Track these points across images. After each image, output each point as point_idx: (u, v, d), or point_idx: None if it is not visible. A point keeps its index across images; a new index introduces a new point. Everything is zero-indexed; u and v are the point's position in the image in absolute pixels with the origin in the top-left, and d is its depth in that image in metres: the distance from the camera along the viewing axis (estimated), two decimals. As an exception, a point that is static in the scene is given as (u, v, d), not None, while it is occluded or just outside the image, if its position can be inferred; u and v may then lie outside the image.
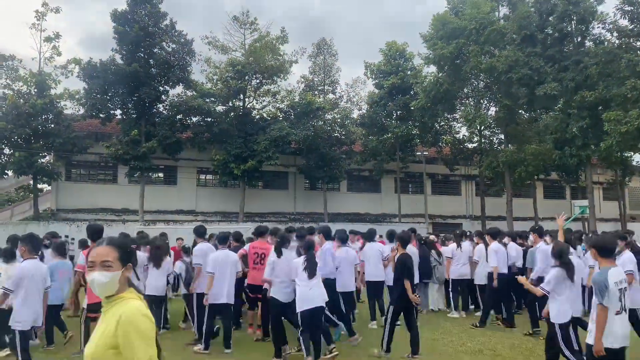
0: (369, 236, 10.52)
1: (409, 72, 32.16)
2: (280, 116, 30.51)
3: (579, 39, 24.08)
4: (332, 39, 32.62)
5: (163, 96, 27.53)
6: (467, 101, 30.59)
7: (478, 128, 29.69)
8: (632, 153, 35.39)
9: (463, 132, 34.97)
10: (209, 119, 28.36)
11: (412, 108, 29.98)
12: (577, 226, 32.12)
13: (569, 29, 24.07)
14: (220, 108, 29.33)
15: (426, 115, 29.55)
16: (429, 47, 27.77)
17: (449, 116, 34.77)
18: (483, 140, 33.15)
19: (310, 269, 7.00)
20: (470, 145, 33.82)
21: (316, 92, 32.26)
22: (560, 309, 5.98)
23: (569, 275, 5.97)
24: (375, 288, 10.15)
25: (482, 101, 29.89)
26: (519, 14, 24.45)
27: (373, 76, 33.39)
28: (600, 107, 22.07)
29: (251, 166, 27.41)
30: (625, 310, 4.68)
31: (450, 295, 11.49)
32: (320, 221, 32.20)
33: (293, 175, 34.15)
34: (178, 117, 27.76)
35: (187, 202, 31.36)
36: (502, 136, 30.32)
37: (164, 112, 27.76)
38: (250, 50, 28.29)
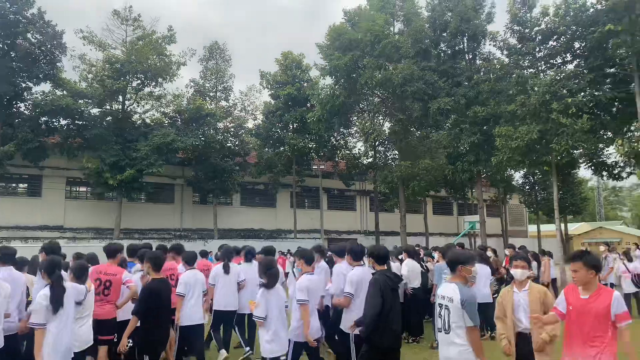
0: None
1: (305, 84, 31.20)
2: (166, 122, 27.85)
3: (470, 56, 24.58)
4: (225, 43, 30.64)
5: (26, 93, 23.78)
6: (363, 115, 30.23)
7: (374, 143, 29.36)
8: (514, 172, 37.61)
9: (359, 147, 34.71)
10: (80, 122, 24.92)
11: (308, 120, 28.94)
12: (465, 241, 33.02)
13: (462, 46, 24.50)
14: (95, 110, 26.04)
15: (322, 128, 28.64)
16: (325, 58, 26.97)
17: (344, 131, 34.35)
18: (378, 156, 33.03)
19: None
20: (365, 161, 33.54)
21: (207, 98, 30.05)
22: None
23: None
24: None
25: (377, 115, 29.65)
26: (414, 28, 24.48)
27: (269, 86, 31.98)
28: (491, 123, 22.44)
29: (129, 176, 24.49)
30: (447, 330, 4.31)
31: None
32: (209, 238, 29.87)
33: (180, 187, 31.47)
34: (43, 118, 24.09)
35: (53, 217, 27.36)
36: (396, 152, 30.32)
37: (25, 112, 23.94)
38: (132, 48, 25.52)
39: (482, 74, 23.39)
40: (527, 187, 41.44)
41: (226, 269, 7.63)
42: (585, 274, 4.13)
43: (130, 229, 29.00)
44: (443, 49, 25.04)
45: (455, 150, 23.81)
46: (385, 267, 5.60)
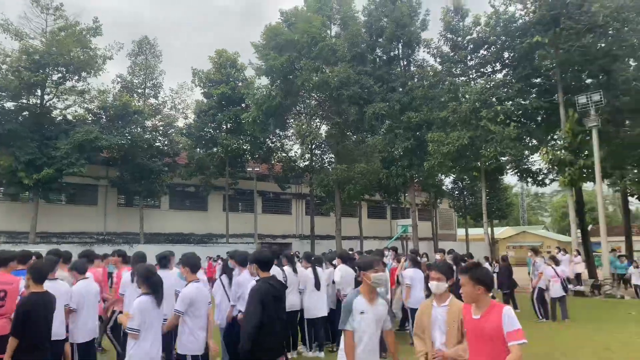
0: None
1: (240, 83, 30.39)
2: (90, 119, 26.10)
3: (405, 62, 24.88)
4: (155, 39, 29.19)
5: None
6: (300, 117, 29.86)
7: (310, 145, 29.06)
8: (444, 177, 38.66)
9: (295, 149, 34.34)
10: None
11: (243, 121, 28.18)
12: (397, 245, 33.41)
13: (397, 52, 24.74)
14: (10, 104, 23.92)
15: (258, 129, 27.97)
16: (261, 58, 26.39)
17: (281, 133, 33.83)
18: (314, 159, 32.78)
19: None
20: (302, 164, 33.18)
21: (135, 95, 28.51)
22: None
23: None
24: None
25: (314, 118, 29.38)
26: (350, 32, 24.45)
27: (201, 84, 30.88)
28: (424, 129, 22.77)
29: (47, 175, 22.68)
30: None
31: None
32: (134, 242, 28.32)
33: (104, 188, 29.61)
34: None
35: (-43, 219, 24.87)
36: (333, 155, 30.21)
37: None
38: (52, 39, 23.70)
39: (416, 80, 23.72)
40: (457, 192, 42.80)
41: (133, 277, 6.87)
42: (472, 290, 3.64)
43: (48, 233, 26.91)
44: (379, 54, 25.20)
45: (390, 155, 23.98)
46: (270, 274, 5.11)
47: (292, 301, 8.93)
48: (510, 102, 20.76)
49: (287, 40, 25.31)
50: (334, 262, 9.95)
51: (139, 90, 29.02)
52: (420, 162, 22.86)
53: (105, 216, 29.93)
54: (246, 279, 6.73)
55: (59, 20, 24.63)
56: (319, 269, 8.87)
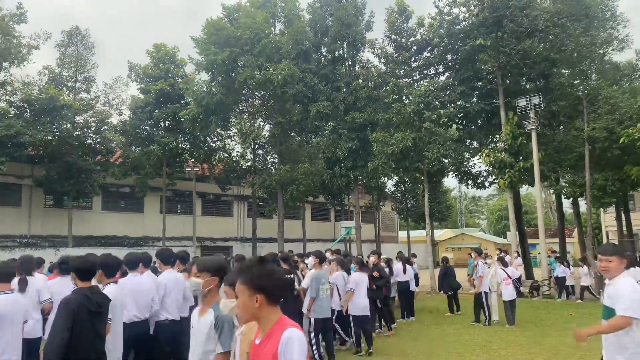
0: None
1: (179, 80, 29.10)
2: (12, 112, 24.04)
3: (350, 62, 24.62)
4: (87, 29, 27.35)
5: None
6: (242, 116, 29.01)
7: (252, 144, 28.28)
8: (387, 180, 38.95)
9: (237, 149, 33.31)
10: None
11: (182, 119, 27.00)
12: (341, 247, 33.16)
13: (342, 52, 24.44)
14: None
15: (197, 127, 26.89)
16: (201, 52, 25.36)
17: (223, 132, 32.79)
18: (257, 160, 31.99)
19: None
20: (244, 165, 32.30)
21: (64, 89, 26.61)
22: None
23: None
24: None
25: (257, 117, 28.63)
26: (294, 28, 23.92)
27: (138, 79, 29.32)
28: (368, 130, 22.57)
29: (-39, 173, 20.64)
30: None
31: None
32: (63, 246, 26.44)
33: (29, 188, 27.44)
34: None
35: None
36: (276, 157, 29.57)
37: None
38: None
39: (360, 81, 23.50)
40: (399, 195, 43.27)
41: (22, 286, 5.95)
42: (247, 302, 2.49)
43: (-39, 236, 24.61)
44: (324, 53, 24.82)
45: (334, 155, 23.65)
46: (90, 284, 4.41)
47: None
48: (453, 104, 20.93)
49: (229, 36, 24.45)
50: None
51: (69, 84, 27.11)
52: (364, 163, 22.64)
53: (29, 218, 27.75)
54: (169, 279, 6.26)
55: (-23, 5, 22.56)
56: None
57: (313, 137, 31.87)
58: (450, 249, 54.55)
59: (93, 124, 27.51)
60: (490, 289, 13.06)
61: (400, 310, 13.91)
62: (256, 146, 31.70)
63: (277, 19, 26.79)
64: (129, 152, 28.74)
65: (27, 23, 23.01)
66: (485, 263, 14.48)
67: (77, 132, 26.49)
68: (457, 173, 24.74)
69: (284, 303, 2.79)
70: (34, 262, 6.48)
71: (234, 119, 28.39)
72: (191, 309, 6.53)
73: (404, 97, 22.30)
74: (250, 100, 28.71)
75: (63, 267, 6.21)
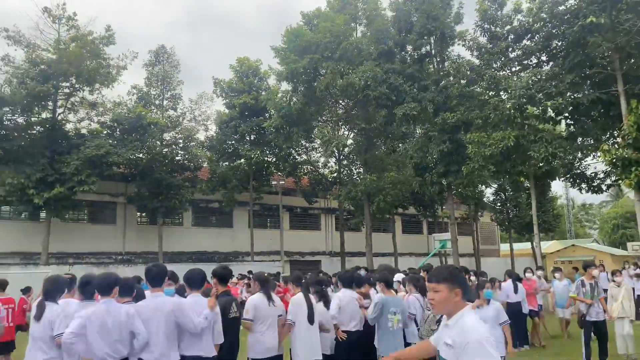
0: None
1: (263, 92, 28.75)
2: (104, 132, 24.84)
3: (438, 59, 22.60)
4: (173, 47, 27.93)
5: None
6: (325, 124, 27.98)
7: (336, 154, 27.07)
8: (485, 188, 35.93)
9: (322, 161, 32.37)
10: (1, 132, 21.75)
11: (265, 129, 26.51)
12: (436, 262, 30.77)
13: (429, 48, 22.51)
14: (20, 119, 22.90)
15: (281, 138, 26.22)
16: (282, 62, 24.69)
17: (307, 145, 32.05)
18: (342, 171, 30.79)
19: None
20: (327, 172, 31.25)
21: (153, 108, 27.21)
22: None
23: None
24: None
25: (340, 125, 27.44)
26: (376, 27, 22.43)
27: (223, 94, 29.40)
28: (461, 131, 20.38)
29: (58, 194, 21.39)
30: None
31: None
32: (155, 262, 26.77)
33: (123, 206, 28.28)
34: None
35: (-30, 241, 23.83)
36: (361, 167, 28.17)
37: None
38: (64, 49, 22.63)
39: (451, 77, 21.40)
40: (499, 204, 39.80)
41: (38, 312, 4.86)
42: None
43: (63, 253, 25.66)
44: (409, 51, 23.01)
45: (423, 161, 21.64)
46: None
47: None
48: (560, 96, 18.15)
49: (309, 42, 23.57)
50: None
51: (157, 102, 27.74)
52: (458, 167, 20.43)
53: (124, 235, 28.56)
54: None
55: (71, 31, 23.61)
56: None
57: (400, 145, 30.11)
58: (559, 262, 49.44)
59: (180, 141, 27.88)
60: (622, 315, 10.44)
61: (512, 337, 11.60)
62: (341, 156, 30.57)
63: (357, 21, 25.52)
64: (216, 167, 28.77)
65: (115, 44, 23.66)
66: (613, 281, 11.70)
67: (165, 150, 26.92)
68: (568, 176, 21.64)
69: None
70: (62, 285, 5.35)
71: (317, 131, 27.45)
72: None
73: (501, 92, 19.90)
74: (332, 108, 27.60)
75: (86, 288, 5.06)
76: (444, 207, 37.84)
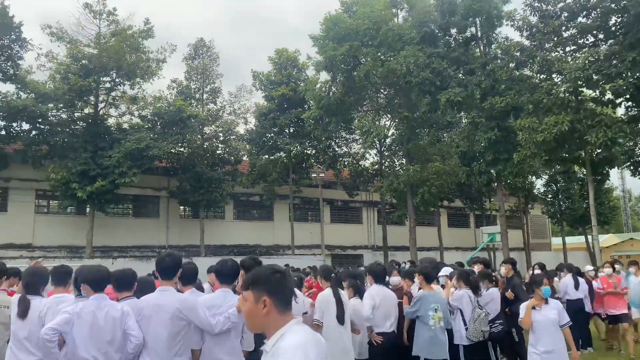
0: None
1: (301, 83, 28.22)
2: (146, 126, 24.97)
3: (484, 41, 21.34)
4: (212, 40, 27.81)
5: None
6: (365, 114, 27.18)
7: (377, 145, 26.23)
8: (535, 179, 34.24)
9: (363, 153, 31.56)
10: (45, 127, 22.18)
11: (304, 120, 26.01)
12: (484, 256, 29.48)
13: (474, 30, 21.29)
14: (63, 114, 23.28)
15: (319, 129, 25.65)
16: (320, 51, 24.04)
17: (348, 136, 31.37)
18: (383, 162, 29.93)
19: None
20: (368, 165, 30.42)
21: (193, 102, 27.19)
22: None
23: None
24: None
25: (381, 114, 26.58)
26: (418, 10, 21.41)
27: (262, 87, 29.08)
28: (511, 116, 19.14)
29: (100, 187, 21.61)
30: None
31: None
32: (196, 255, 26.80)
33: (166, 200, 28.49)
34: (1, 122, 21.41)
35: (20, 234, 24.50)
36: (404, 158, 27.22)
37: (-20, 115, 21.27)
38: (105, 44, 22.83)
39: (498, 61, 20.14)
40: (550, 196, 37.87)
41: (21, 309, 4.33)
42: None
43: (108, 247, 26.08)
44: (453, 34, 21.84)
45: (470, 150, 20.50)
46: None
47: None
48: (621, 77, 16.70)
49: (348, 29, 22.85)
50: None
51: (197, 96, 27.72)
52: (508, 156, 19.24)
53: (167, 229, 28.78)
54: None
55: (111, 26, 23.79)
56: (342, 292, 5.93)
57: (444, 134, 28.97)
58: (616, 256, 46.73)
59: (221, 134, 27.79)
60: None
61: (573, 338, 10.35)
62: (382, 148, 29.75)
63: (398, 6, 24.56)
64: (256, 160, 28.54)
65: (154, 37, 23.67)
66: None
67: (205, 144, 26.90)
68: (628, 163, 20.00)
69: None
70: (44, 276, 4.72)
71: (356, 120, 26.70)
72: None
73: (554, 75, 18.57)
74: (373, 97, 26.80)
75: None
76: (491, 200, 36.34)
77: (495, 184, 21.99)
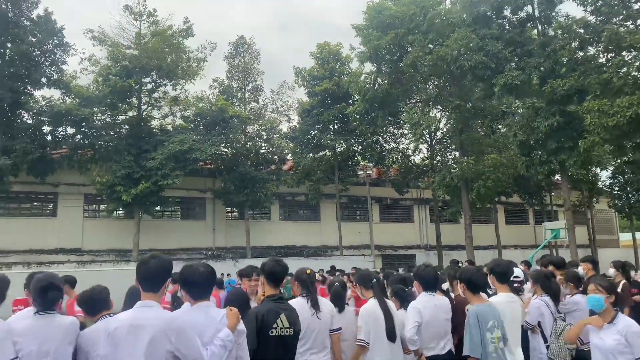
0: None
1: (345, 77, 27.16)
2: (189, 127, 24.65)
3: (542, 20, 19.49)
4: (252, 38, 27.24)
5: (29, 99, 21.25)
6: (413, 105, 25.79)
7: (425, 135, 24.79)
8: (599, 170, 31.66)
9: (412, 148, 30.14)
10: (90, 130, 22.19)
11: (348, 116, 24.98)
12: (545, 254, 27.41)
13: (530, 10, 19.52)
14: (107, 118, 23.28)
15: (365, 123, 24.51)
16: (364, 41, 22.89)
17: (395, 131, 30.06)
18: (434, 157, 28.39)
19: None
20: (419, 160, 28.96)
21: (235, 101, 26.70)
22: None
23: None
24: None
25: (430, 105, 25.11)
26: (469, -11, 19.81)
27: (305, 84, 28.22)
28: (575, 100, 17.31)
29: (144, 189, 21.38)
30: None
31: None
32: (242, 257, 26.27)
33: (211, 201, 28.15)
34: (46, 127, 21.58)
35: (70, 238, 24.72)
36: (457, 153, 25.63)
37: (28, 121, 21.49)
38: (146, 44, 22.63)
39: (559, 41, 18.30)
40: (617, 189, 35.00)
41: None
42: None
43: (155, 250, 25.89)
44: (507, 16, 20.14)
45: (530, 138, 18.77)
46: None
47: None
48: None
49: (392, 16, 21.65)
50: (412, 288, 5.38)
51: (239, 95, 27.21)
52: (572, 144, 17.44)
53: (213, 230, 28.43)
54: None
55: (152, 27, 23.59)
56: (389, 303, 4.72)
57: (499, 126, 27.15)
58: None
59: (264, 133, 27.17)
60: None
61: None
62: (433, 141, 28.27)
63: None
64: (300, 159, 27.74)
65: (194, 36, 23.30)
66: None
67: (249, 143, 26.37)
68: None
69: None
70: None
71: (405, 113, 25.37)
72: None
73: (624, 53, 16.67)
74: (421, 88, 25.40)
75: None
76: (552, 194, 34.02)
77: (559, 175, 20.11)
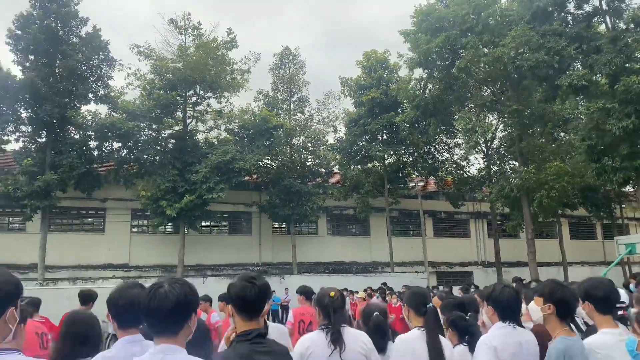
0: None
1: (393, 85, 26.03)
2: (234, 140, 24.23)
3: (612, 13, 17.68)
4: (297, 48, 26.65)
5: (78, 116, 21.45)
6: (467, 111, 24.31)
7: (480, 142, 23.19)
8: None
9: (467, 157, 28.46)
10: (134, 145, 22.15)
11: (397, 125, 23.83)
12: (618, 272, 24.89)
13: (597, 3, 17.78)
14: (152, 132, 23.20)
15: (415, 133, 23.26)
16: (412, 47, 21.73)
17: (449, 141, 28.59)
18: (491, 167, 26.65)
19: None
20: (474, 171, 27.28)
21: (280, 113, 26.12)
22: None
23: None
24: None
25: (485, 111, 23.52)
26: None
27: (351, 93, 27.30)
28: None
29: (188, 203, 21.01)
30: None
31: None
32: (288, 273, 25.42)
33: (258, 215, 27.53)
34: (94, 142, 21.69)
35: (117, 254, 24.71)
36: (516, 162, 23.84)
37: (75, 136, 21.68)
38: (191, 57, 22.47)
39: (632, 33, 16.49)
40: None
41: None
42: None
43: (201, 266, 25.57)
44: (570, 10, 18.47)
45: (600, 143, 16.94)
46: None
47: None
48: None
49: (442, 18, 20.46)
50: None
51: (284, 107, 26.65)
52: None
53: (260, 245, 27.76)
54: None
55: (196, 40, 23.46)
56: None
57: (562, 133, 25.14)
58: None
59: (310, 145, 26.41)
60: None
61: None
62: (489, 151, 26.57)
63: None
64: (347, 171, 26.73)
65: (238, 47, 22.95)
66: None
67: (295, 155, 25.68)
68: None
69: None
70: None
71: (458, 119, 23.90)
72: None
73: None
74: (475, 93, 23.90)
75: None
76: (622, 205, 31.25)
77: (635, 183, 18.08)
